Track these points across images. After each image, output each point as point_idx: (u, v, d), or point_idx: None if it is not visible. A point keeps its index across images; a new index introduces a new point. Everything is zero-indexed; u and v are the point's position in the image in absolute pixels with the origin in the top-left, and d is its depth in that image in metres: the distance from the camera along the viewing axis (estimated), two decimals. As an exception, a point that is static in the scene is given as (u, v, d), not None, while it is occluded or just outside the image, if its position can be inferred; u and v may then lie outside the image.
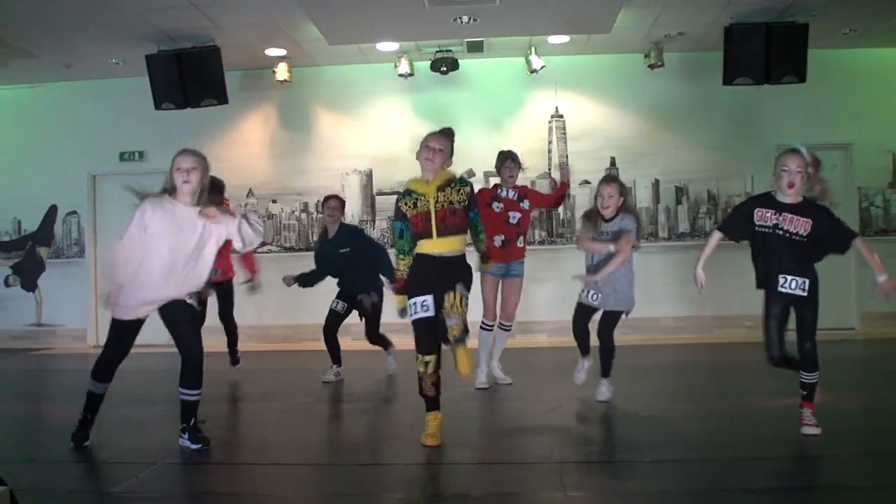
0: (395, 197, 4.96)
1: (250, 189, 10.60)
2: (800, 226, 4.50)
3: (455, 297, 4.58)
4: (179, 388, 4.58)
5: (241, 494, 3.82)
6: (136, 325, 4.68)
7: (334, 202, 7.24)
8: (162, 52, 9.19)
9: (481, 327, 6.60)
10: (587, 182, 10.34)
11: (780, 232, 4.54)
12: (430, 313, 4.59)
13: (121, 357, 4.69)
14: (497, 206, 6.51)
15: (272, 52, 9.81)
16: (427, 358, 4.56)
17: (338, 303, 7.17)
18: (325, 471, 4.31)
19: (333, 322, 7.15)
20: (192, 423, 4.60)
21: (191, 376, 4.60)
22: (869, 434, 4.74)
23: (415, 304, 4.61)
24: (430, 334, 4.60)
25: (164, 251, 4.49)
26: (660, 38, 9.62)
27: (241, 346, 7.55)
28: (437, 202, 4.60)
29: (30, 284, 10.93)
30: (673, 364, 7.98)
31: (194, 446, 4.53)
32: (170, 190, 4.59)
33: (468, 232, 4.81)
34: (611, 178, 6.15)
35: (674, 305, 10.03)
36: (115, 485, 3.98)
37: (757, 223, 4.61)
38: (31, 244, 10.95)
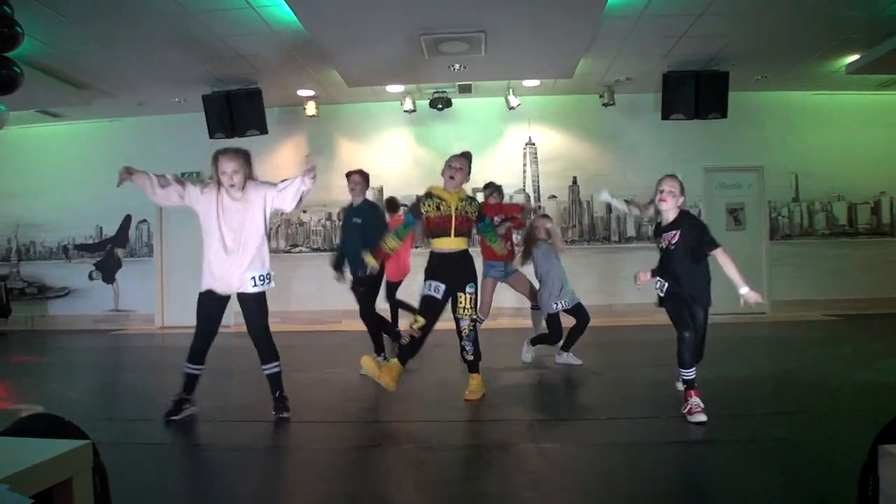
0: (416, 196, 5.02)
1: (285, 202, 10.56)
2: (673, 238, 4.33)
3: (466, 300, 4.75)
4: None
5: (279, 447, 3.82)
6: (217, 306, 4.47)
7: (357, 177, 6.24)
8: (215, 92, 9.17)
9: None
10: (554, 196, 10.37)
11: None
12: (439, 296, 4.68)
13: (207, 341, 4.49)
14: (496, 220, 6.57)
15: (303, 92, 9.79)
16: (422, 320, 4.62)
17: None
18: (343, 427, 4.30)
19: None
20: (276, 394, 4.44)
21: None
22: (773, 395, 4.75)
23: (430, 284, 4.70)
24: (431, 309, 4.66)
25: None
26: (612, 82, 9.63)
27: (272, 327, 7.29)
28: (456, 209, 4.73)
29: (109, 278, 10.92)
30: (621, 342, 7.97)
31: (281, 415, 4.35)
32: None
33: (477, 236, 5.06)
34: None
35: (624, 295, 10.05)
36: (178, 438, 3.97)
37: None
38: (110, 246, 10.93)
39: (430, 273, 4.76)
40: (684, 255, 4.29)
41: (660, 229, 4.45)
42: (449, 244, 4.73)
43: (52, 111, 10.09)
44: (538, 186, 10.40)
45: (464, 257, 4.79)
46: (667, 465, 3.36)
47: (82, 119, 10.62)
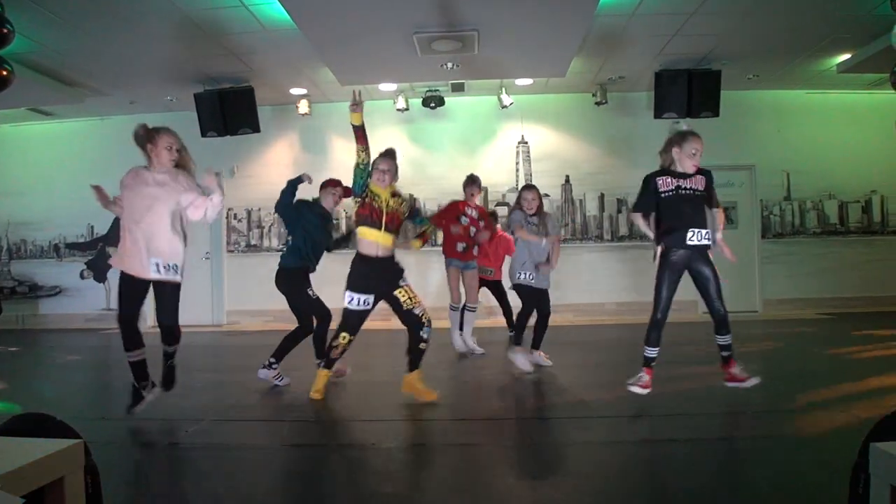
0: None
1: (278, 200, 10.54)
2: (698, 182, 4.47)
3: (406, 293, 4.69)
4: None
5: (271, 446, 3.81)
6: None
7: (341, 190, 6.26)
8: (207, 91, 9.14)
9: (450, 308, 6.78)
10: (547, 195, 10.35)
11: (683, 191, 4.44)
12: (368, 308, 4.72)
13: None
14: (463, 220, 6.59)
15: (295, 91, 9.77)
16: (350, 337, 4.73)
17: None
18: (336, 426, 4.29)
19: None
20: (167, 363, 4.43)
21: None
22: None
23: (357, 297, 4.68)
24: (359, 323, 4.75)
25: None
26: (604, 80, 9.65)
27: (264, 327, 7.32)
28: (388, 205, 4.77)
29: (100, 277, 10.86)
30: (615, 340, 8.00)
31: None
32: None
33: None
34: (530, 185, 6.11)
35: (616, 293, 10.08)
36: (170, 437, 3.96)
37: (661, 190, 4.50)
38: (101, 245, 10.87)
39: (357, 281, 4.67)
40: (703, 202, 4.47)
41: (676, 175, 4.52)
42: (377, 238, 4.67)
43: (44, 109, 10.04)
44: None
45: (391, 261, 4.74)
46: (660, 463, 3.37)
47: (74, 117, 10.57)
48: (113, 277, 10.80)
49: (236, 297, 10.49)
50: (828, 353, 6.55)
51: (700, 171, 4.52)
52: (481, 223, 6.64)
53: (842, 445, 3.36)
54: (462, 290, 6.70)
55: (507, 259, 6.58)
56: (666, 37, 7.76)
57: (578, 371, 5.91)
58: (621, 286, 10.00)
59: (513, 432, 3.96)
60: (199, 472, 3.41)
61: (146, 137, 4.48)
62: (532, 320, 5.87)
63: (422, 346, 4.67)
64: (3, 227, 11.00)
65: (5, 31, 5.69)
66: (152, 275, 4.14)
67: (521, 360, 5.62)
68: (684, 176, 4.48)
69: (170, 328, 4.33)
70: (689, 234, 4.39)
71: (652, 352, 4.49)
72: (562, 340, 7.88)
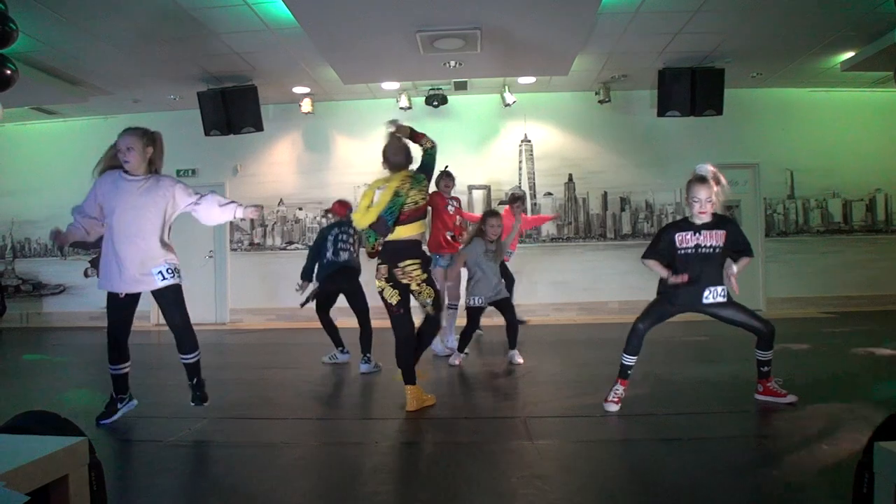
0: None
1: (281, 199, 10.56)
2: (717, 239, 4.26)
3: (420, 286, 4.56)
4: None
5: (274, 444, 3.81)
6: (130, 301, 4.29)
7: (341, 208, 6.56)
8: (210, 89, 9.15)
9: (448, 307, 6.67)
10: (550, 193, 10.37)
11: (702, 249, 4.23)
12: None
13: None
14: (451, 208, 6.69)
15: (298, 89, 9.77)
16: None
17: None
18: (338, 423, 4.29)
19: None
20: (193, 380, 4.34)
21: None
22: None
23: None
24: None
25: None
26: (607, 79, 9.64)
27: (268, 325, 7.33)
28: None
29: (104, 275, 10.87)
30: (618, 339, 7.96)
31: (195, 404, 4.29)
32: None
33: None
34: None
35: (619, 292, 10.08)
36: (173, 435, 3.96)
37: (679, 246, 4.27)
38: (105, 243, 10.89)
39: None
40: (721, 256, 4.30)
41: (696, 229, 4.29)
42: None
43: (47, 108, 10.06)
44: (534, 183, 10.40)
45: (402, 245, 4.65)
46: (663, 462, 3.36)
47: (77, 116, 10.59)
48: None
49: (239, 296, 10.49)
50: (832, 352, 6.53)
51: (721, 222, 4.32)
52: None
53: (846, 444, 3.37)
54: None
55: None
56: (669, 35, 7.75)
57: (581, 369, 5.91)
58: (624, 285, 9.98)
59: (516, 431, 3.95)
60: (203, 470, 3.41)
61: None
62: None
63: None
64: (7, 225, 11.04)
65: (9, 29, 5.70)
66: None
67: (454, 360, 6.08)
68: (702, 229, 4.26)
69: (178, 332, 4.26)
70: (706, 294, 4.27)
71: (630, 360, 4.42)
72: (565, 339, 7.89)
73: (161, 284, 4.13)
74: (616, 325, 9.06)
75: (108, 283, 4.20)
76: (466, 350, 6.24)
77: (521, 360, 6.10)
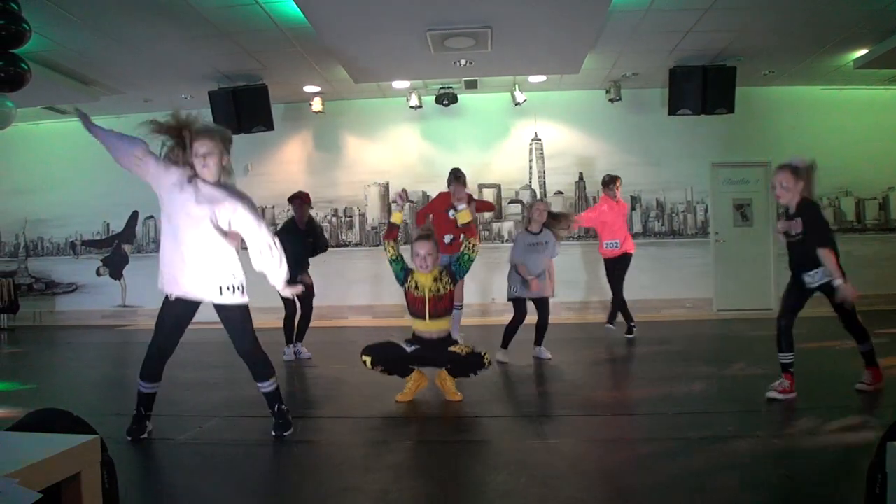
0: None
1: (292, 198, 10.60)
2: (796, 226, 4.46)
3: (462, 347, 4.67)
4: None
5: (286, 442, 3.82)
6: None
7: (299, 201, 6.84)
8: (222, 89, 9.19)
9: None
10: (560, 192, 10.36)
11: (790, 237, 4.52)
12: (408, 349, 4.64)
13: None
14: (452, 214, 6.71)
15: (309, 89, 9.80)
16: (365, 358, 4.62)
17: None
18: (357, 422, 4.30)
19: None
20: (275, 408, 3.92)
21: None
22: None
23: (404, 345, 4.68)
24: (388, 355, 4.65)
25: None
26: (618, 77, 9.61)
27: (276, 323, 7.22)
28: (430, 291, 4.60)
29: (116, 274, 10.96)
30: (629, 338, 7.96)
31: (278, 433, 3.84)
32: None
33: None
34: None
35: (629, 291, 10.01)
36: (184, 433, 3.98)
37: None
38: (117, 242, 10.98)
39: (412, 341, 4.71)
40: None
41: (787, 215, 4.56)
42: (426, 327, 4.64)
43: (60, 108, 10.13)
44: (544, 182, 10.38)
45: (445, 341, 4.67)
46: (673, 461, 3.35)
47: (89, 115, 10.62)
48: (128, 275, 10.92)
49: (249, 294, 10.49)
50: (845, 352, 6.48)
51: (800, 209, 4.47)
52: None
53: (859, 444, 3.34)
54: None
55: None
56: (680, 33, 7.71)
57: (591, 368, 5.90)
58: (637, 283, 9.88)
59: (527, 429, 3.95)
60: (213, 468, 3.43)
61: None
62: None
63: (471, 375, 4.67)
64: (20, 224, 11.12)
65: (22, 29, 5.74)
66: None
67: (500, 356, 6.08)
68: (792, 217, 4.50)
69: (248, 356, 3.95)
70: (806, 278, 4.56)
71: (786, 357, 4.55)
72: (575, 337, 7.87)
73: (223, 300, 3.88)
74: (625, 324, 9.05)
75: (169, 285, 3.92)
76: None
77: (549, 356, 6.20)
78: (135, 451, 3.62)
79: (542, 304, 6.26)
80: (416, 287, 4.62)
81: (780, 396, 4.36)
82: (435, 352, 4.62)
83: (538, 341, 6.29)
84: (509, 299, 6.29)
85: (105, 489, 1.96)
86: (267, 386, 3.92)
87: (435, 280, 4.62)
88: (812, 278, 4.42)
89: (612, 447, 3.60)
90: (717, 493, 2.88)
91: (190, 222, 3.72)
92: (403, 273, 4.69)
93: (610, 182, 7.55)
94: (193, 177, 3.73)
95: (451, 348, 4.61)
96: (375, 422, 4.32)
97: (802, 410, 4.16)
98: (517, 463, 3.30)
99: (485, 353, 4.58)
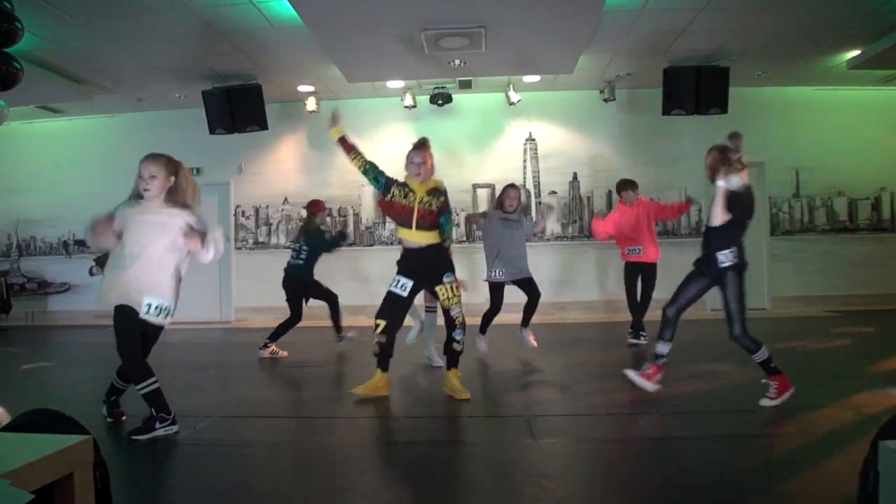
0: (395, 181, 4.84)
1: (286, 197, 10.59)
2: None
3: (447, 290, 4.61)
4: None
5: (279, 443, 3.81)
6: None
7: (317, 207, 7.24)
8: (215, 88, 9.17)
9: (427, 310, 6.08)
10: (554, 192, 10.36)
11: None
12: (405, 294, 4.63)
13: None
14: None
15: (303, 88, 9.79)
16: (385, 324, 4.59)
17: None
18: (350, 422, 4.29)
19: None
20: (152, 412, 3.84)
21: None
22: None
23: (398, 280, 4.66)
24: (393, 307, 4.64)
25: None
26: (612, 77, 9.63)
27: (273, 323, 7.26)
28: (420, 202, 4.64)
29: (110, 274, 10.91)
30: (622, 337, 7.97)
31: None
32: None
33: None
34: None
35: (622, 290, 10.04)
36: (177, 434, 3.97)
37: None
38: (110, 242, 10.93)
39: (401, 266, 4.74)
40: None
41: None
42: (412, 237, 4.66)
43: (52, 107, 10.09)
44: (538, 182, 10.39)
45: (435, 252, 4.68)
46: (667, 460, 3.36)
47: (82, 115, 10.62)
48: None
49: (244, 294, 10.50)
50: (837, 351, 6.52)
51: None
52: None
53: (851, 443, 3.35)
54: None
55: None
56: (674, 33, 7.73)
57: (585, 368, 5.90)
58: (629, 283, 9.95)
59: (520, 429, 3.95)
60: (207, 469, 3.42)
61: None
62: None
63: (455, 346, 4.68)
64: (13, 224, 11.07)
65: (15, 28, 5.71)
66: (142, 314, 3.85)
67: (482, 345, 6.25)
68: None
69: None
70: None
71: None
72: (570, 337, 7.88)
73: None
74: (620, 323, 9.05)
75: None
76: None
77: (535, 344, 6.22)
78: (128, 451, 3.61)
79: (528, 284, 6.22)
80: (406, 196, 4.65)
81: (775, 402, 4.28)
82: (423, 266, 4.63)
83: (525, 322, 6.30)
84: (487, 280, 6.21)
85: (98, 490, 1.96)
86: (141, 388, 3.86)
87: (428, 193, 4.67)
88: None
89: (605, 447, 3.61)
90: (709, 492, 2.88)
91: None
92: (384, 178, 4.77)
93: (620, 188, 7.36)
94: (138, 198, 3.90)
95: (438, 289, 4.64)
96: (369, 422, 4.32)
97: (794, 410, 4.17)
98: (511, 463, 3.30)
99: (458, 316, 4.63)
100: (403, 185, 4.75)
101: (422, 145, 4.85)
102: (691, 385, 5.00)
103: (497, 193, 10.26)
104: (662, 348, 4.59)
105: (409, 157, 4.78)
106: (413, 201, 4.64)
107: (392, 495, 2.94)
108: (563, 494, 2.87)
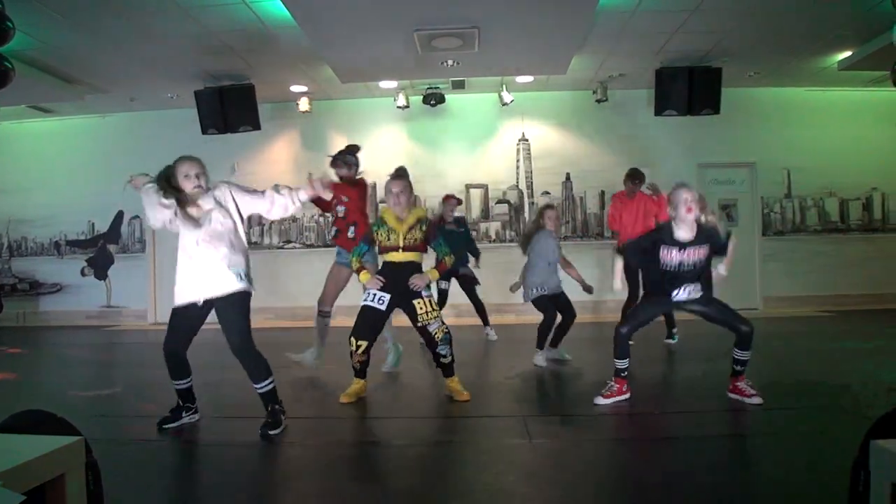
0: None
1: (279, 198, 10.55)
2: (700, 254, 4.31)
3: (425, 304, 4.60)
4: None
5: (273, 443, 3.80)
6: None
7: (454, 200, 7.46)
8: (208, 88, 9.14)
9: (319, 314, 6.10)
10: (548, 192, 10.37)
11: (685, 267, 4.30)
12: (382, 307, 4.61)
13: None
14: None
15: (296, 88, 9.77)
16: (360, 343, 4.58)
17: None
18: (344, 423, 4.29)
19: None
20: (268, 408, 3.98)
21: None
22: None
23: (373, 294, 4.63)
24: (371, 324, 4.61)
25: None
26: (604, 78, 9.64)
27: (266, 324, 7.30)
28: (405, 238, 4.65)
29: (101, 274, 10.88)
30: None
31: (271, 432, 3.83)
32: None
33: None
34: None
35: (619, 291, 10.06)
36: (170, 434, 3.96)
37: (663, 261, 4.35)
38: (102, 242, 10.89)
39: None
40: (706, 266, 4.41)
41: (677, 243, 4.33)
42: (397, 257, 4.66)
43: (44, 106, 10.05)
44: (531, 183, 10.40)
45: (416, 269, 4.68)
46: (658, 461, 3.37)
47: (74, 114, 10.57)
48: (113, 275, 10.84)
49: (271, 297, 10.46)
50: (828, 351, 6.54)
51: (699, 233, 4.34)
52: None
53: (842, 442, 3.37)
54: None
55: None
56: (667, 34, 7.75)
57: (578, 369, 5.91)
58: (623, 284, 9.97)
59: (514, 430, 3.95)
60: (200, 470, 3.41)
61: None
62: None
63: (443, 360, 4.66)
64: (4, 224, 11.02)
65: (5, 28, 5.69)
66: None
67: (540, 359, 5.94)
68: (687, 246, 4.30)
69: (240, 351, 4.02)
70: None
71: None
72: (564, 337, 7.87)
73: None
74: (614, 324, 9.08)
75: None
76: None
77: (569, 356, 6.08)
78: (120, 452, 3.60)
79: (565, 301, 6.07)
80: (388, 237, 4.66)
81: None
82: (401, 280, 4.60)
83: (557, 343, 6.10)
84: (531, 301, 6.04)
85: (90, 491, 1.95)
86: (260, 387, 3.99)
87: (410, 228, 4.66)
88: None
89: (598, 447, 3.61)
90: (700, 492, 2.89)
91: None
92: (366, 246, 4.83)
93: (626, 179, 7.30)
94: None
95: (416, 303, 4.58)
96: (362, 422, 4.31)
97: (788, 409, 4.19)
98: (505, 462, 3.30)
99: (437, 332, 4.58)
100: (383, 223, 4.74)
101: (400, 175, 4.81)
102: (685, 385, 5.02)
103: (490, 194, 10.32)
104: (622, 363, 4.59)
105: (387, 186, 4.74)
106: (398, 238, 4.65)
107: (385, 495, 2.94)
108: (554, 494, 2.87)
